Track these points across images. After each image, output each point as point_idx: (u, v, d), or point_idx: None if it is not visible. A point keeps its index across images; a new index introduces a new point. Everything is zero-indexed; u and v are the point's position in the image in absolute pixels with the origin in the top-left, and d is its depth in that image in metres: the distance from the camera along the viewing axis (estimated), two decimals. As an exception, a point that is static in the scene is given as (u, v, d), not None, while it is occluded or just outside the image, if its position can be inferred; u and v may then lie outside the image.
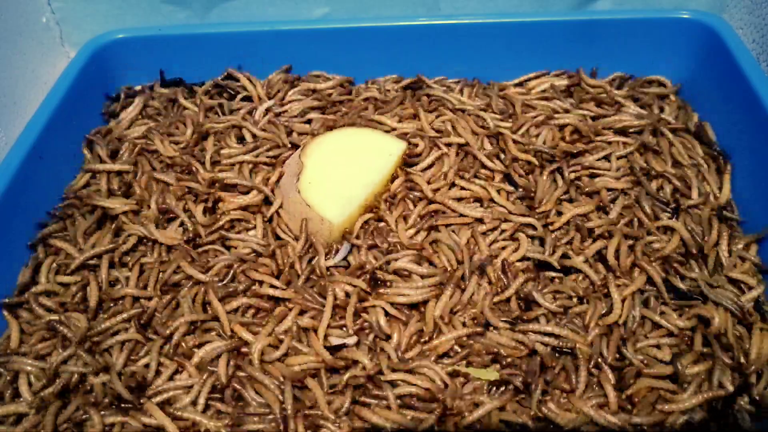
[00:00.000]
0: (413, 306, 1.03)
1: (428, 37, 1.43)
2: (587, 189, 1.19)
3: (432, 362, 0.96)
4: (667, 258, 1.07)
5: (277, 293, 1.04)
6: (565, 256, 1.09)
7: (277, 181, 1.22)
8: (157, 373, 0.98)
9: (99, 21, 1.56)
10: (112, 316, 1.03)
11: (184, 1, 1.54)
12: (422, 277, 1.06)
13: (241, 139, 1.33)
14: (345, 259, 1.11)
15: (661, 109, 1.36)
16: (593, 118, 1.33)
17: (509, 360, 0.96)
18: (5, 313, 1.06)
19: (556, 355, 0.97)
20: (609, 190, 1.19)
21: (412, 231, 1.14)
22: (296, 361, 0.97)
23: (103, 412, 0.92)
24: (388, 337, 1.00)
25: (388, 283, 1.06)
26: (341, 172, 1.19)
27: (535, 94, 1.41)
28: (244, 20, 1.56)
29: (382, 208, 1.16)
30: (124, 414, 0.92)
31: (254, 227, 1.17)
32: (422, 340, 0.99)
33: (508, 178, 1.22)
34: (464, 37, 1.42)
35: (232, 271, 1.08)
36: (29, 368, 0.98)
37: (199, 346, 0.99)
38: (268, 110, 1.37)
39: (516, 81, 1.45)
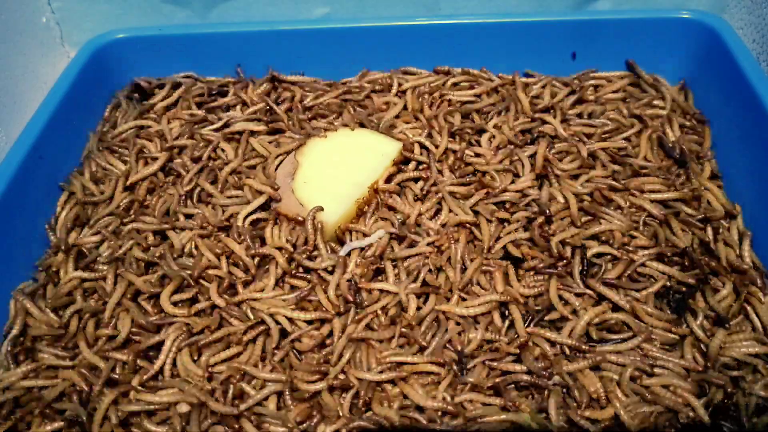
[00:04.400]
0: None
1: (428, 37, 1.43)
2: None
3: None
4: None
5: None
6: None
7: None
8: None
9: (99, 21, 1.56)
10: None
11: (184, 1, 1.54)
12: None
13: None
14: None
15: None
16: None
17: None
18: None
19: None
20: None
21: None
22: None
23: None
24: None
25: None
26: (336, 172, 1.19)
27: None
28: (244, 20, 1.56)
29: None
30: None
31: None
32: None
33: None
34: (464, 37, 1.42)
35: None
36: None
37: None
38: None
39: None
